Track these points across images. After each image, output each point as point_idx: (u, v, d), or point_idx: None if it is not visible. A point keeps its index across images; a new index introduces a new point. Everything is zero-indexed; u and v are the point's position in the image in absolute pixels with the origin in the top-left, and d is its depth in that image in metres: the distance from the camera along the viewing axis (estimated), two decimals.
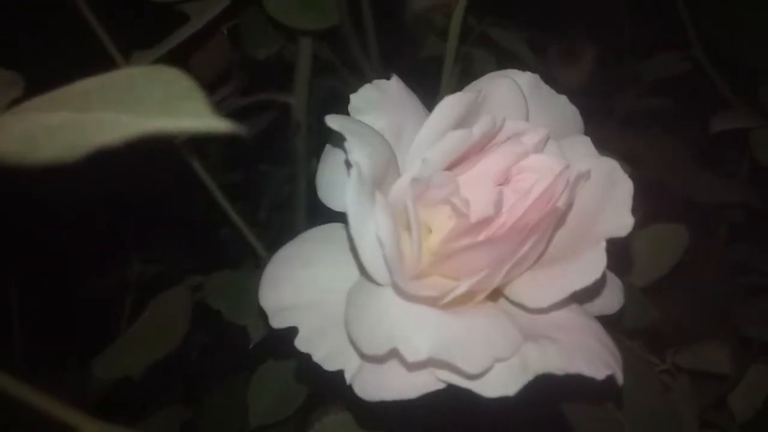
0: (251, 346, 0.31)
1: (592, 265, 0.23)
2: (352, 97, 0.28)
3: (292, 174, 0.58)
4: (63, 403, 0.27)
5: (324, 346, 0.24)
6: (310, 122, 0.44)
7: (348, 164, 0.25)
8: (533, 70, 0.30)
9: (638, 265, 0.44)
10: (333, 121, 0.23)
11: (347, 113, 0.26)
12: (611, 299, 0.29)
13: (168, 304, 0.31)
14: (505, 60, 0.42)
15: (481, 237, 0.22)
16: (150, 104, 0.16)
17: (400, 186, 0.23)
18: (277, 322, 0.25)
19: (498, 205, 0.23)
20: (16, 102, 0.19)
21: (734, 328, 0.43)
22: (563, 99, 0.29)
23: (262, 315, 0.33)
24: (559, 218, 0.24)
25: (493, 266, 0.22)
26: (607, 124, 0.63)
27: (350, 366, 0.24)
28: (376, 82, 0.29)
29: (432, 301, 0.23)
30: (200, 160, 0.46)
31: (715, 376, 0.41)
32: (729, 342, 0.40)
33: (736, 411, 0.42)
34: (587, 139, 0.28)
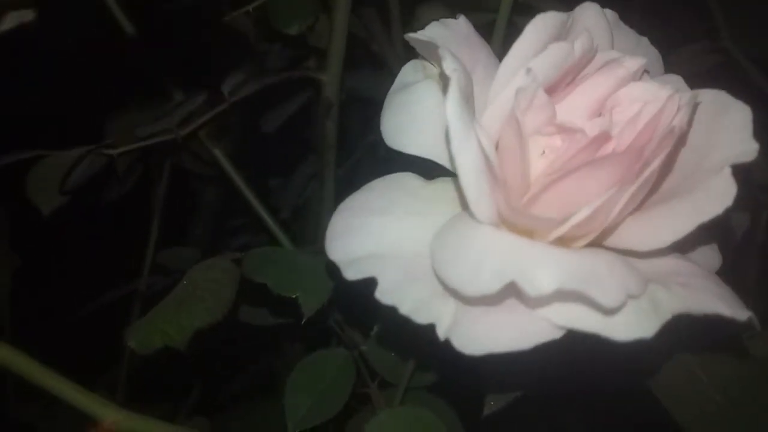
0: (304, 320, 0.27)
1: (720, 192, 0.20)
2: (420, 33, 0.26)
3: (313, 174, 0.55)
4: (90, 393, 0.23)
5: (412, 295, 0.21)
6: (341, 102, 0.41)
7: (416, 104, 0.23)
8: None
9: None
10: (420, 33, 0.20)
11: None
12: (711, 256, 0.26)
13: (212, 269, 0.27)
14: None
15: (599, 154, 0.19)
16: None
17: (502, 101, 0.20)
18: (353, 272, 0.21)
19: (606, 127, 0.20)
20: None
21: None
22: (644, 40, 0.27)
23: (312, 289, 0.29)
24: (676, 144, 0.21)
25: (615, 189, 0.19)
26: None
27: (444, 317, 0.20)
28: (442, 19, 0.26)
29: (540, 235, 0.19)
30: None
31: None
32: None
33: None
34: (680, 78, 0.25)
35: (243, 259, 0.30)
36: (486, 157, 0.18)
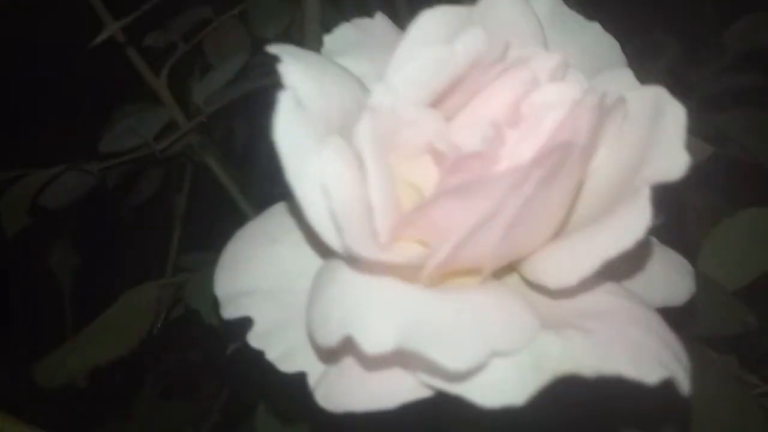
0: (228, 352, 0.26)
1: (632, 220, 0.16)
2: (326, 38, 0.23)
3: None
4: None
5: (282, 342, 0.18)
6: None
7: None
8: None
9: (727, 260, 0.35)
10: (273, 47, 0.18)
11: None
12: (677, 286, 0.21)
13: (138, 295, 0.26)
14: None
15: (459, 180, 0.16)
16: None
17: (359, 123, 0.17)
18: (231, 311, 0.19)
19: (490, 141, 0.16)
20: None
21: None
22: (595, 27, 0.23)
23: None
24: (581, 162, 0.17)
25: (484, 222, 0.15)
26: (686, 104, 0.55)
27: (315, 368, 0.18)
28: (355, 20, 0.23)
29: (409, 275, 0.16)
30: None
31: None
32: None
33: None
34: (629, 72, 0.21)
35: (186, 282, 0.29)
36: (324, 189, 0.16)
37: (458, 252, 0.16)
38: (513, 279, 0.20)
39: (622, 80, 0.21)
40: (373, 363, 0.16)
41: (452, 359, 0.14)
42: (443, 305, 0.16)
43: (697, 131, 0.43)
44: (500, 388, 0.15)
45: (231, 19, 0.41)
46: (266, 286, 0.19)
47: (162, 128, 0.39)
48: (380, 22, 0.23)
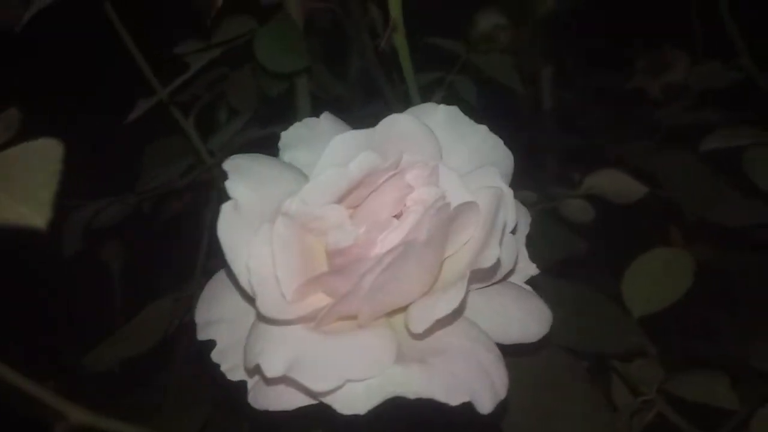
0: None
1: (453, 295, 0.24)
2: (283, 134, 0.31)
3: None
4: (54, 391, 0.32)
5: (231, 360, 0.27)
6: None
7: None
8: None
9: (640, 292, 0.42)
10: (227, 162, 0.26)
11: None
12: (531, 328, 0.29)
13: (154, 309, 0.36)
14: (488, 87, 0.42)
15: (333, 266, 0.24)
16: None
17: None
18: (203, 334, 0.28)
19: (356, 236, 0.25)
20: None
21: (744, 361, 0.40)
22: (482, 129, 0.30)
23: None
24: (428, 249, 0.25)
25: (341, 294, 0.24)
26: (654, 136, 0.61)
27: (251, 379, 0.27)
28: (306, 120, 0.32)
29: (307, 322, 0.25)
30: None
31: (714, 410, 0.39)
32: (727, 372, 0.38)
33: None
34: (494, 170, 0.28)
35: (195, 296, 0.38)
36: (248, 269, 0.24)
37: (336, 309, 0.24)
38: (399, 319, 0.28)
39: (486, 176, 0.28)
40: (278, 380, 0.25)
41: (315, 384, 0.23)
42: (321, 346, 0.24)
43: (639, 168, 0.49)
44: (351, 402, 0.23)
45: (243, 74, 0.49)
46: (225, 318, 0.28)
47: (188, 166, 0.48)
48: (325, 120, 0.31)
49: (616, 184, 0.49)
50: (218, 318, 0.28)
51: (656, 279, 0.42)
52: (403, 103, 0.45)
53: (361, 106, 0.56)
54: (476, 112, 0.34)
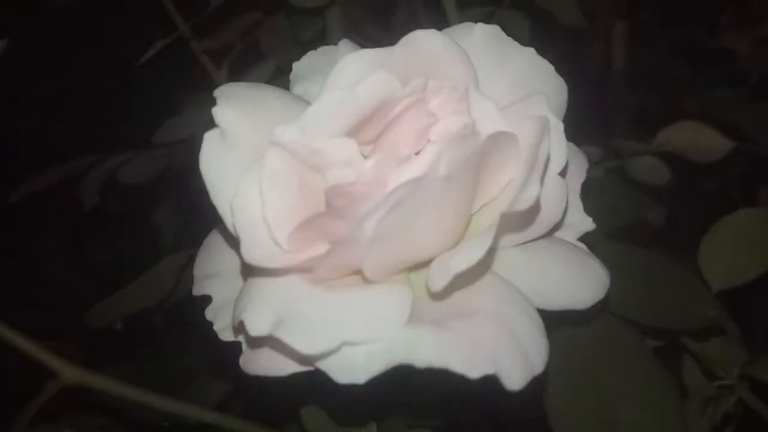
0: None
1: (476, 245, 0.19)
2: (294, 64, 0.27)
3: None
4: (47, 349, 0.30)
5: (225, 318, 0.24)
6: None
7: None
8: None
9: (720, 262, 0.36)
10: (218, 90, 0.23)
11: None
12: (581, 292, 0.24)
13: (165, 264, 0.33)
14: (541, 23, 0.37)
15: (330, 208, 0.20)
16: None
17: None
18: (197, 289, 0.25)
19: (360, 173, 0.20)
20: None
21: None
22: (528, 52, 0.25)
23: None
24: (450, 188, 0.20)
25: (339, 240, 0.19)
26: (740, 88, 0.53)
27: (245, 342, 0.23)
28: (322, 47, 0.27)
29: (302, 273, 0.21)
30: None
31: None
32: None
33: None
34: (541, 98, 0.23)
35: None
36: (231, 209, 0.20)
37: (333, 258, 0.20)
38: (422, 277, 0.23)
39: (533, 106, 0.23)
40: (264, 341, 0.21)
41: (304, 346, 0.19)
42: (317, 301, 0.20)
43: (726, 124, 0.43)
44: (348, 368, 0.19)
45: (278, 21, 0.46)
46: (223, 272, 0.25)
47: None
48: (344, 47, 0.27)
49: (696, 138, 0.42)
50: (214, 272, 0.25)
51: (740, 246, 0.36)
52: None
53: None
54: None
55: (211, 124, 0.45)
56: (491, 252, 0.20)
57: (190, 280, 0.33)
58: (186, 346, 0.39)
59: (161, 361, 0.37)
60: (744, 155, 0.41)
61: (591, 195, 0.40)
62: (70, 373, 0.28)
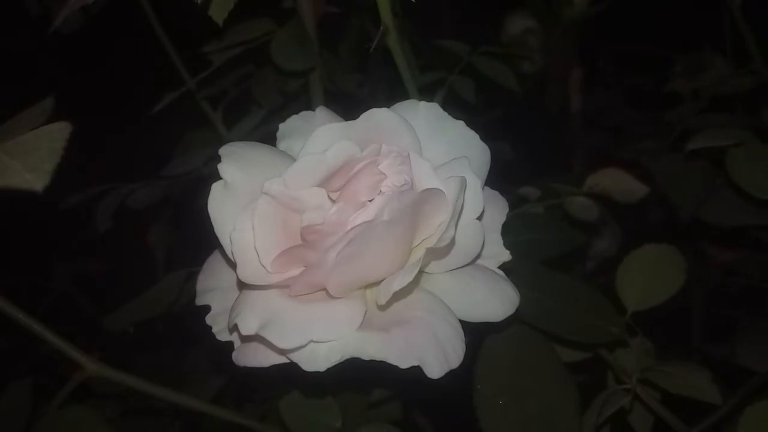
0: None
1: (408, 271, 0.27)
2: (280, 125, 0.35)
3: None
4: (71, 343, 0.36)
5: (221, 323, 0.31)
6: None
7: None
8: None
9: (633, 288, 0.44)
10: (223, 149, 0.30)
11: None
12: (495, 308, 0.31)
13: (164, 283, 0.40)
14: (487, 88, 0.45)
15: (304, 241, 0.28)
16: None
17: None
18: (199, 300, 0.32)
19: (327, 216, 0.28)
20: None
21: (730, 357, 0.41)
22: (459, 124, 0.33)
23: None
24: (394, 229, 0.28)
25: (310, 265, 0.27)
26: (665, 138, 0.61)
27: (237, 340, 0.30)
28: (302, 113, 0.35)
29: (282, 289, 0.28)
30: None
31: (694, 403, 0.40)
32: (706, 366, 0.39)
33: None
34: (464, 160, 0.31)
35: None
36: (231, 240, 0.28)
37: (305, 278, 0.27)
38: (373, 294, 0.31)
39: (456, 166, 0.31)
40: (252, 339, 0.28)
41: (282, 342, 0.26)
42: (292, 310, 0.27)
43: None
44: (312, 360, 0.26)
45: (266, 73, 0.53)
46: (221, 287, 0.32)
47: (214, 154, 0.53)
48: (320, 113, 0.35)
49: (618, 182, 0.50)
50: (213, 287, 0.32)
51: (648, 275, 0.43)
52: None
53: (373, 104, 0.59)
54: (475, 111, 0.36)
55: (208, 161, 0.53)
56: (420, 275, 0.27)
57: (189, 294, 0.41)
58: (184, 349, 0.46)
59: (163, 361, 0.44)
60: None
61: (530, 229, 0.48)
62: (94, 367, 0.35)
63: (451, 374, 0.27)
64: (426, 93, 0.45)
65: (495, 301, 0.31)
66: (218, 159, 0.53)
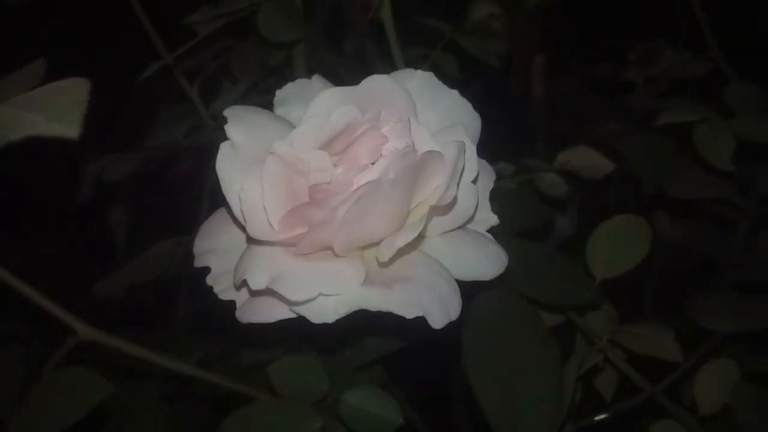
0: None
1: (411, 228, 0.28)
2: (278, 92, 0.35)
3: None
4: (63, 307, 0.36)
5: (223, 283, 0.32)
6: None
7: None
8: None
9: (600, 257, 0.46)
10: (228, 110, 0.31)
11: None
12: (485, 267, 0.33)
13: (154, 250, 0.41)
14: (470, 65, 0.47)
15: (312, 199, 0.29)
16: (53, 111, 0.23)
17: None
18: (198, 262, 0.33)
19: (334, 177, 0.29)
20: None
21: (689, 318, 0.44)
22: (453, 93, 0.35)
23: None
24: (395, 189, 0.29)
25: (323, 221, 0.28)
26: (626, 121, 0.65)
27: (240, 298, 0.31)
28: (298, 80, 0.36)
29: (289, 246, 0.29)
30: None
31: (660, 362, 0.43)
32: (672, 327, 0.42)
33: (701, 404, 0.43)
34: (461, 128, 0.33)
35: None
36: (240, 199, 0.28)
37: (312, 235, 0.28)
38: (372, 253, 0.32)
39: (452, 133, 0.32)
40: (262, 295, 0.29)
41: (293, 295, 0.27)
42: (300, 266, 0.28)
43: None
44: (321, 312, 0.28)
45: (247, 46, 0.53)
46: (220, 248, 0.33)
47: (192, 128, 0.53)
48: (316, 81, 0.36)
49: (586, 159, 0.53)
50: (213, 248, 0.33)
51: (616, 245, 0.46)
52: None
53: (352, 79, 0.60)
54: (458, 86, 0.38)
55: (188, 134, 0.53)
56: (417, 238, 0.29)
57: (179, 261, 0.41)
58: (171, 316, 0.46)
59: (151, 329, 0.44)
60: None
61: (505, 203, 0.50)
62: (87, 331, 0.35)
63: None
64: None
65: (485, 261, 0.33)
66: (199, 131, 0.53)
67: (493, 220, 0.35)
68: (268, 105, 0.52)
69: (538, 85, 0.90)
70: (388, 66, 0.57)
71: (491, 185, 0.36)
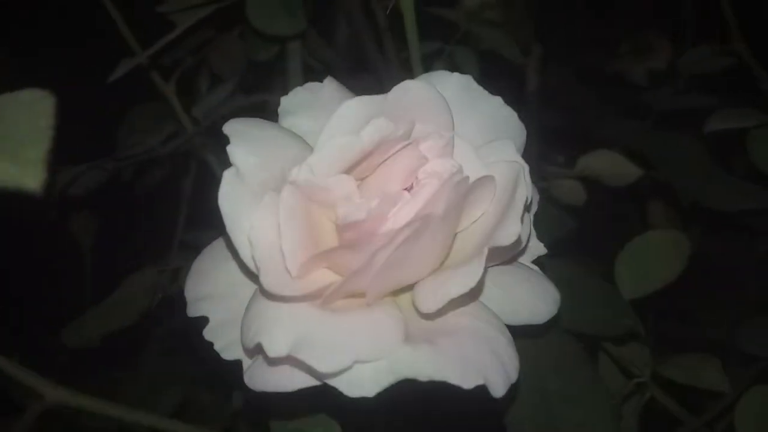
0: None
1: (470, 273, 0.23)
2: (283, 99, 0.29)
3: None
4: (30, 371, 0.30)
5: (225, 337, 0.25)
6: None
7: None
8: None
9: (630, 275, 0.42)
10: (227, 126, 0.24)
11: None
12: (539, 309, 0.28)
13: (136, 281, 0.34)
14: (489, 58, 0.41)
15: (343, 241, 0.23)
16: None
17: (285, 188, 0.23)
18: (192, 311, 0.27)
19: (369, 210, 0.23)
20: None
21: (732, 345, 0.40)
22: (496, 101, 0.29)
23: None
24: (443, 225, 0.24)
25: (352, 271, 0.22)
26: (644, 121, 0.61)
27: (246, 358, 0.25)
28: (308, 84, 0.30)
29: (312, 299, 0.23)
30: None
31: (705, 392, 0.39)
32: (716, 355, 0.38)
33: None
34: (509, 143, 0.27)
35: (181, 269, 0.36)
36: (251, 242, 0.22)
37: (345, 287, 0.23)
38: (406, 298, 0.26)
39: (501, 150, 0.27)
40: (280, 360, 0.23)
41: (323, 365, 0.21)
42: (328, 325, 0.23)
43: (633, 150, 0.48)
44: (358, 384, 0.22)
45: (230, 38, 0.47)
46: (219, 293, 0.26)
47: (169, 134, 0.46)
48: (328, 85, 0.29)
49: (611, 166, 0.48)
50: (210, 293, 0.27)
51: (650, 261, 0.42)
52: (400, 73, 0.44)
53: (348, 76, 0.54)
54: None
55: (167, 140, 0.46)
56: (480, 280, 0.23)
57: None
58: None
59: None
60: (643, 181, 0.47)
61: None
62: (55, 393, 0.29)
63: None
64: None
65: (539, 301, 0.28)
66: (180, 137, 0.46)
67: (541, 249, 0.30)
68: (256, 108, 0.46)
69: (532, 77, 0.85)
70: (385, 60, 0.51)
71: (535, 208, 0.31)
